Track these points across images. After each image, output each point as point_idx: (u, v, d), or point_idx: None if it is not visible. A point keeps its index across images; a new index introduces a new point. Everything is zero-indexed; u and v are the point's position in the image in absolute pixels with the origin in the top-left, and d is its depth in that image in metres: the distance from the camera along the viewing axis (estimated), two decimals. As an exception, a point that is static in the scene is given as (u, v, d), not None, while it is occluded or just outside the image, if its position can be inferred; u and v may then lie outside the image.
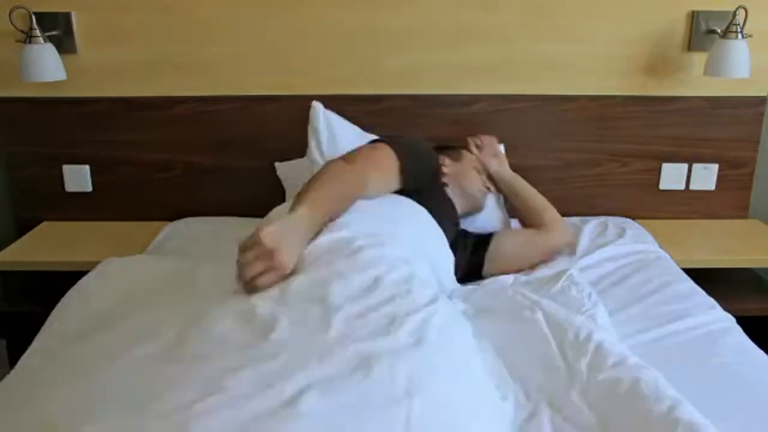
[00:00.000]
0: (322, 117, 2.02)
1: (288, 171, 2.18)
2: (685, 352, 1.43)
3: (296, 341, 1.01)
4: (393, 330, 1.05)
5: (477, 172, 1.97)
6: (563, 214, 2.26)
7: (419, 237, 1.52)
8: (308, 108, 2.09)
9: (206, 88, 2.21)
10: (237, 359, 0.98)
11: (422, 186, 1.67)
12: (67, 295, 1.55)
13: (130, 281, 1.52)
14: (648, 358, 1.40)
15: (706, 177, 2.30)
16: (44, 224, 2.30)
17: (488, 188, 1.99)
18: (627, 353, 1.19)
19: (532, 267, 1.81)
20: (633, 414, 1.07)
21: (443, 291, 1.52)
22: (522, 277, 1.73)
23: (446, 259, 1.63)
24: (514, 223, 2.13)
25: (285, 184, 2.19)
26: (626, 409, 1.08)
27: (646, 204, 2.32)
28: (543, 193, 2.25)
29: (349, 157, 1.55)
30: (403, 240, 1.43)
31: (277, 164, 2.18)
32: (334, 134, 2.02)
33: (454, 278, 1.66)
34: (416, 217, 1.59)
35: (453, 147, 2.05)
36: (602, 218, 2.26)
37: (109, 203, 2.31)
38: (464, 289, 1.59)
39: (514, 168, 2.24)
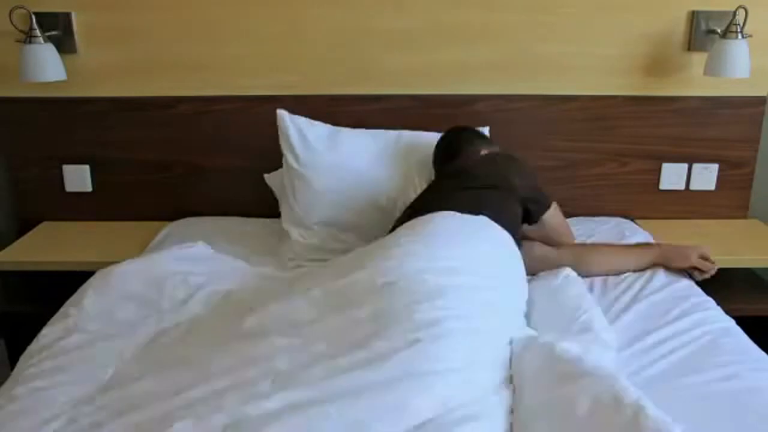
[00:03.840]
0: (290, 123, 2.01)
1: (277, 181, 2.16)
2: (685, 353, 1.43)
3: None
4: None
5: None
6: (564, 214, 2.26)
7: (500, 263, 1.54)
8: (308, 108, 2.10)
9: (206, 88, 2.21)
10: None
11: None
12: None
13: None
14: (648, 359, 1.41)
15: (706, 177, 2.30)
16: (44, 224, 2.30)
17: None
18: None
19: None
20: None
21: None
22: None
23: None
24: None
25: (276, 193, 2.17)
26: None
27: (646, 204, 2.32)
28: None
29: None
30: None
31: (266, 176, 2.17)
32: (306, 138, 2.01)
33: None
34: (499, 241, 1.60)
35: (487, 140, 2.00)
36: (602, 218, 2.26)
37: (109, 203, 2.31)
38: None
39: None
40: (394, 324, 1.22)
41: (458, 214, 1.59)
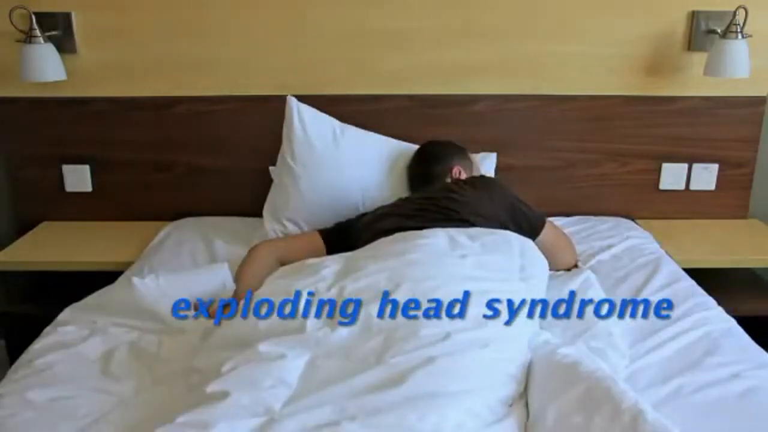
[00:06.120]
0: (296, 113, 1.99)
1: None
2: (685, 353, 1.43)
3: None
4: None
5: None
6: (563, 214, 2.27)
7: None
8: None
9: (206, 88, 2.21)
10: None
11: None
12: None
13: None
14: (648, 359, 1.41)
15: (706, 177, 2.30)
16: (44, 224, 2.30)
17: None
18: None
19: None
20: None
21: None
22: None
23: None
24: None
25: None
26: None
27: (646, 204, 2.32)
28: (543, 193, 2.26)
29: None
30: None
31: (271, 168, 2.17)
32: (307, 132, 1.99)
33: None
34: None
35: (461, 152, 1.97)
36: (602, 218, 2.26)
37: (109, 203, 2.31)
38: None
39: (515, 168, 2.25)
40: (409, 337, 1.20)
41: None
